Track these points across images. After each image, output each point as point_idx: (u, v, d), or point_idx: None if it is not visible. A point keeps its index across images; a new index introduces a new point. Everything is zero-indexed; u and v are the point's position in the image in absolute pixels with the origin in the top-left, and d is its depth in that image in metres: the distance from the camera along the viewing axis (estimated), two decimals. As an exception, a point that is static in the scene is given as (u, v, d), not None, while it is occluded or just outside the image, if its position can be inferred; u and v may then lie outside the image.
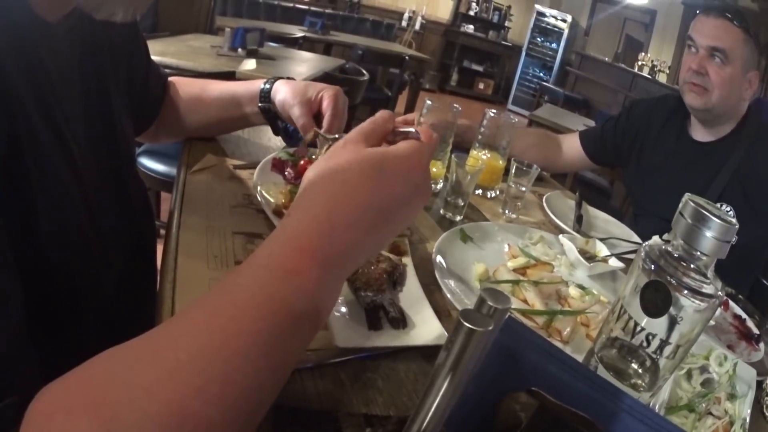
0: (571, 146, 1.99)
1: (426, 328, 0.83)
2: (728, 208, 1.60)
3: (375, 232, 0.56)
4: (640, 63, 9.72)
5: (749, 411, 0.93)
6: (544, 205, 1.52)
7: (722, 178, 1.63)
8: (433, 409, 0.44)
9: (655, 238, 0.68)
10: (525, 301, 1.02)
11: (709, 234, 0.62)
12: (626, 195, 2.64)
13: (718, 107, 1.65)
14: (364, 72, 1.42)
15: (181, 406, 0.39)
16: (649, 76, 9.29)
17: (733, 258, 1.53)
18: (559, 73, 10.23)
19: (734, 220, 0.62)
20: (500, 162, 1.52)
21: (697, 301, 0.63)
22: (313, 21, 6.90)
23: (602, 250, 1.27)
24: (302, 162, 1.16)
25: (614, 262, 1.23)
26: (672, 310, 0.63)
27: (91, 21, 0.67)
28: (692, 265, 0.64)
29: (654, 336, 0.64)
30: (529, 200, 1.59)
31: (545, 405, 0.54)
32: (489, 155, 1.51)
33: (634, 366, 0.70)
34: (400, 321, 0.82)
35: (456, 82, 10.40)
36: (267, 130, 1.34)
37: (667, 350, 0.65)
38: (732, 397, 0.94)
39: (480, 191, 1.53)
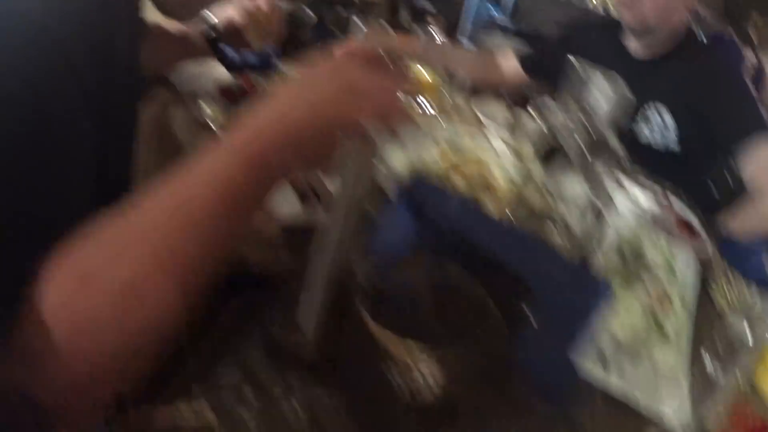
0: (509, 66, 2.04)
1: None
2: (661, 106, 1.67)
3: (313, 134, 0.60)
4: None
5: (693, 293, 1.02)
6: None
7: (657, 92, 1.69)
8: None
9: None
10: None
11: (600, 91, 0.71)
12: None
13: (651, 20, 1.68)
14: (310, 13, 1.48)
15: (141, 272, 0.50)
16: (602, 11, 9.22)
17: (686, 165, 1.63)
18: (514, 8, 10.02)
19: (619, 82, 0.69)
20: (432, 75, 1.58)
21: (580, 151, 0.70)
22: None
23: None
24: (246, 89, 1.22)
25: None
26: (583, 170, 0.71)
27: None
28: (588, 127, 0.72)
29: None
30: (463, 109, 1.57)
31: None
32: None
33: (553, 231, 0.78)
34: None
35: (407, 22, 10.21)
36: (211, 62, 1.38)
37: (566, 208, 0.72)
38: (672, 277, 1.03)
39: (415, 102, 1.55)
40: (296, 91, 0.63)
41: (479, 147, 1.25)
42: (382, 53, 0.71)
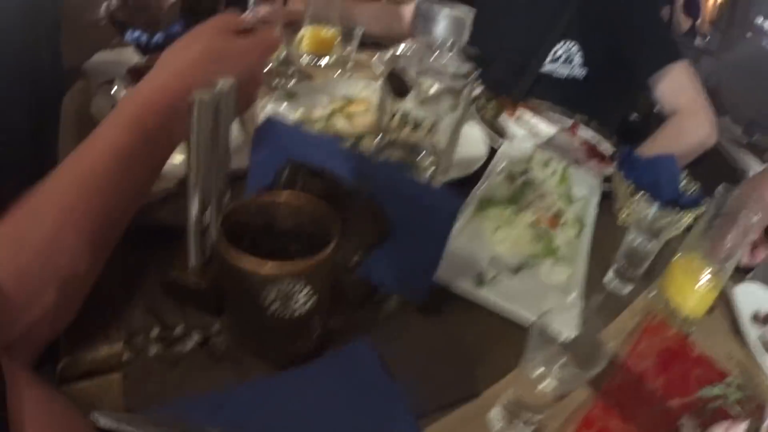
0: (411, 10, 1.99)
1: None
2: (572, 44, 1.65)
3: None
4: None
5: (592, 211, 1.04)
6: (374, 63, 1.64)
7: (564, 16, 1.67)
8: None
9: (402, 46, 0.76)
10: (341, 132, 1.11)
11: (440, 23, 0.71)
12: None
13: None
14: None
15: (57, 229, 0.58)
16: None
17: (593, 93, 1.64)
18: None
19: (464, 7, 0.71)
20: (329, 31, 1.60)
21: (435, 79, 0.72)
22: None
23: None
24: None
25: None
26: (415, 92, 0.72)
27: None
28: (432, 54, 0.73)
29: (407, 115, 0.73)
30: (359, 61, 1.65)
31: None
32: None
33: (422, 158, 0.80)
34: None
35: None
36: (127, 51, 1.40)
37: (425, 125, 0.74)
38: (566, 197, 1.05)
39: (313, 61, 1.60)
40: (168, 59, 0.71)
41: (367, 92, 1.27)
42: (249, 20, 0.75)
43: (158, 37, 1.39)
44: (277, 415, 0.59)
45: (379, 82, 0.78)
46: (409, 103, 0.73)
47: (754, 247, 1.09)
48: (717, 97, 3.70)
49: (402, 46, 0.76)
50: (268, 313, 0.59)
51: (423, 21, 0.72)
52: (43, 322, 0.57)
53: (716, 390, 0.80)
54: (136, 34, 1.37)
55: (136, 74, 1.23)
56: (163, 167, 0.70)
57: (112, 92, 1.16)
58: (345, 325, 0.71)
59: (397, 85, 0.72)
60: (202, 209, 0.63)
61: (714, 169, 2.83)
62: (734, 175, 1.67)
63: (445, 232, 0.66)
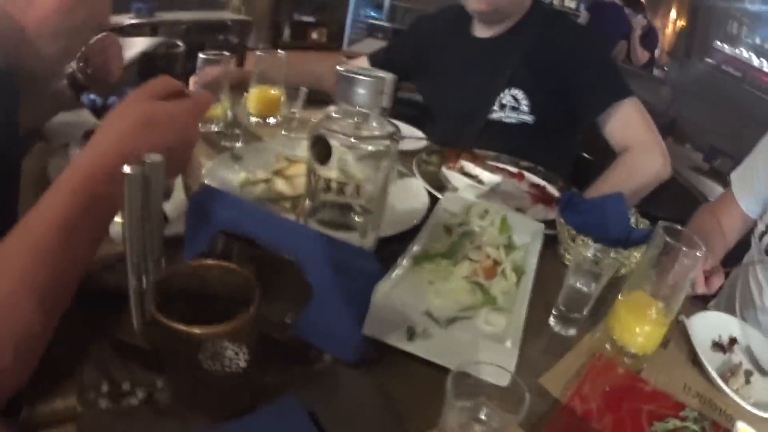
0: (361, 66, 2.02)
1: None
2: (518, 92, 1.70)
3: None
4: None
5: (534, 257, 1.04)
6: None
7: (508, 67, 1.72)
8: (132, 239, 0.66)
9: (326, 112, 0.79)
10: (282, 194, 1.15)
11: (359, 90, 0.74)
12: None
13: (502, 5, 1.71)
14: (180, 44, 1.52)
15: (6, 293, 0.63)
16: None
17: (543, 135, 1.69)
18: (390, 9, 10.01)
19: (381, 73, 0.75)
20: (275, 91, 1.66)
21: (353, 143, 0.76)
22: (138, 7, 6.97)
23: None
24: None
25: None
26: (337, 158, 0.76)
27: None
28: (352, 119, 0.77)
29: (330, 177, 0.77)
30: (306, 120, 1.68)
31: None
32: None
33: (353, 217, 0.83)
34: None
35: (289, 36, 9.94)
36: (85, 112, 1.44)
37: (349, 189, 0.77)
38: (508, 246, 1.07)
39: (260, 120, 1.67)
40: (106, 127, 0.75)
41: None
42: (179, 85, 0.79)
43: (112, 99, 1.44)
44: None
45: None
46: (332, 168, 0.76)
47: (709, 275, 1.09)
48: (677, 127, 3.82)
49: (328, 111, 0.79)
50: (203, 370, 0.62)
51: (344, 88, 0.75)
52: (3, 379, 0.61)
53: (669, 425, 0.80)
54: (92, 96, 1.42)
55: (89, 136, 1.27)
56: (107, 230, 0.74)
57: (69, 153, 1.19)
58: (281, 382, 0.74)
59: (320, 150, 0.76)
60: (140, 275, 0.69)
61: (676, 198, 2.90)
62: (695, 203, 1.71)
63: (366, 292, 0.70)
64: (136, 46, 1.42)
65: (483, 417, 0.65)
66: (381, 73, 0.75)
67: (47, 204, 0.69)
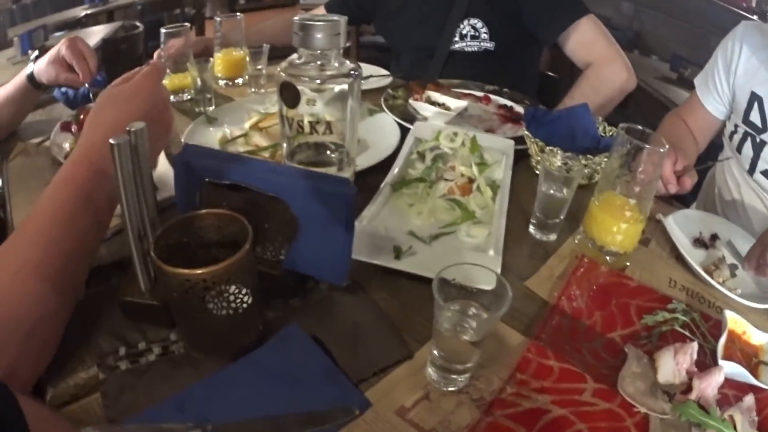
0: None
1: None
2: (476, 21, 1.72)
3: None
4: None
5: (507, 172, 1.11)
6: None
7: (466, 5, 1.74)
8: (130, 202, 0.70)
9: (289, 60, 0.83)
10: (259, 145, 1.20)
11: (316, 34, 0.78)
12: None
13: None
14: (138, 24, 1.53)
15: (12, 272, 0.67)
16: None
17: (506, 59, 1.73)
18: None
19: (335, 16, 0.79)
20: (238, 53, 1.70)
21: (318, 85, 0.80)
22: None
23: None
24: (82, 117, 1.30)
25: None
26: (306, 99, 0.80)
27: None
28: (314, 63, 0.81)
29: (302, 118, 0.82)
30: (272, 74, 1.66)
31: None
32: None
33: (329, 154, 0.88)
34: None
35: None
36: (58, 106, 1.48)
37: (320, 128, 0.82)
38: (481, 164, 1.12)
39: (228, 82, 1.71)
40: (87, 122, 0.82)
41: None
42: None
43: (83, 90, 1.47)
44: (234, 402, 0.66)
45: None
46: (302, 109, 0.81)
47: (681, 175, 1.12)
48: (641, 40, 3.82)
49: (291, 58, 0.83)
50: (209, 313, 0.67)
51: (302, 35, 0.79)
52: (17, 366, 0.63)
53: (659, 317, 0.82)
54: (63, 89, 1.45)
55: (66, 127, 1.31)
56: (112, 209, 0.80)
57: (56, 148, 1.25)
58: (283, 315, 0.80)
59: (289, 94, 0.80)
60: (140, 237, 0.73)
61: (648, 109, 2.94)
62: (666, 112, 1.74)
63: (347, 215, 0.75)
64: (96, 34, 1.45)
65: (471, 316, 0.69)
66: (335, 17, 0.78)
67: (47, 196, 0.74)
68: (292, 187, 0.75)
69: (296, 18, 0.79)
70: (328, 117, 0.82)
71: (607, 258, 0.95)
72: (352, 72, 0.82)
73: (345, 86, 0.81)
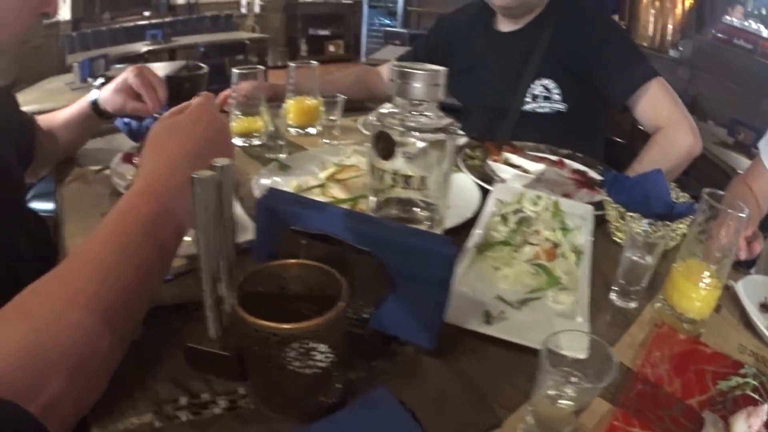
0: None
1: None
2: (547, 81, 1.72)
3: (190, 167, 0.70)
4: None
5: (588, 238, 1.08)
6: (359, 127, 1.72)
7: (535, 58, 1.75)
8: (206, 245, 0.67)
9: (382, 108, 0.81)
10: (337, 198, 1.17)
11: (415, 84, 0.76)
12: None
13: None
14: (203, 66, 1.54)
15: (62, 302, 0.62)
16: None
17: (576, 122, 1.71)
18: (404, 15, 9.93)
19: (435, 67, 0.77)
20: (312, 101, 1.69)
21: (418, 136, 0.78)
22: (153, 33, 7.01)
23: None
24: None
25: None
26: (401, 151, 0.78)
27: None
28: (410, 114, 0.78)
29: (397, 173, 0.79)
30: (345, 126, 1.73)
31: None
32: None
33: (417, 211, 0.85)
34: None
35: (306, 51, 9.72)
36: (119, 137, 1.50)
37: (414, 182, 0.79)
38: (563, 229, 1.10)
39: (300, 130, 1.70)
40: (148, 151, 0.80)
41: (357, 156, 1.34)
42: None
43: (147, 122, 1.47)
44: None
45: (367, 145, 0.83)
46: (397, 162, 0.78)
47: (750, 241, 1.11)
48: (698, 104, 3.79)
49: (384, 107, 0.81)
50: (289, 371, 0.63)
51: (399, 82, 0.77)
52: (60, 404, 0.58)
53: (732, 382, 0.82)
54: (125, 120, 1.45)
55: (128, 158, 1.32)
56: (176, 246, 0.76)
57: (116, 178, 1.25)
58: (365, 376, 0.75)
59: (384, 145, 0.78)
60: (215, 281, 0.69)
61: (705, 174, 2.89)
62: (725, 177, 1.70)
63: (446, 276, 0.71)
64: (159, 71, 1.46)
65: (570, 388, 0.65)
66: (434, 66, 0.76)
67: (107, 225, 0.71)
68: (387, 242, 0.71)
69: (394, 65, 0.78)
70: (421, 172, 0.79)
71: (684, 325, 0.93)
72: (450, 126, 0.79)
73: (442, 139, 0.79)
